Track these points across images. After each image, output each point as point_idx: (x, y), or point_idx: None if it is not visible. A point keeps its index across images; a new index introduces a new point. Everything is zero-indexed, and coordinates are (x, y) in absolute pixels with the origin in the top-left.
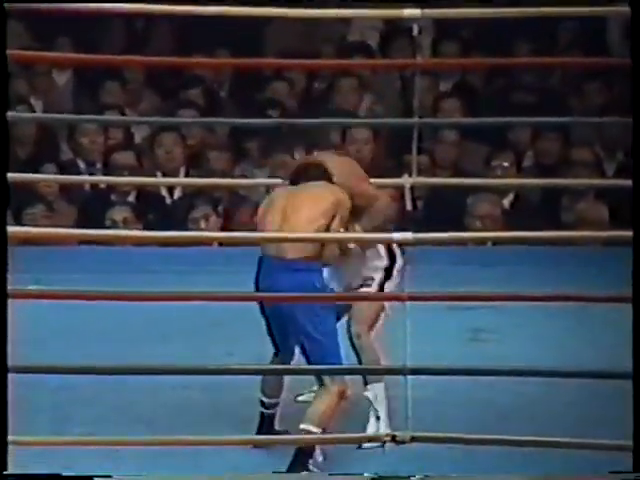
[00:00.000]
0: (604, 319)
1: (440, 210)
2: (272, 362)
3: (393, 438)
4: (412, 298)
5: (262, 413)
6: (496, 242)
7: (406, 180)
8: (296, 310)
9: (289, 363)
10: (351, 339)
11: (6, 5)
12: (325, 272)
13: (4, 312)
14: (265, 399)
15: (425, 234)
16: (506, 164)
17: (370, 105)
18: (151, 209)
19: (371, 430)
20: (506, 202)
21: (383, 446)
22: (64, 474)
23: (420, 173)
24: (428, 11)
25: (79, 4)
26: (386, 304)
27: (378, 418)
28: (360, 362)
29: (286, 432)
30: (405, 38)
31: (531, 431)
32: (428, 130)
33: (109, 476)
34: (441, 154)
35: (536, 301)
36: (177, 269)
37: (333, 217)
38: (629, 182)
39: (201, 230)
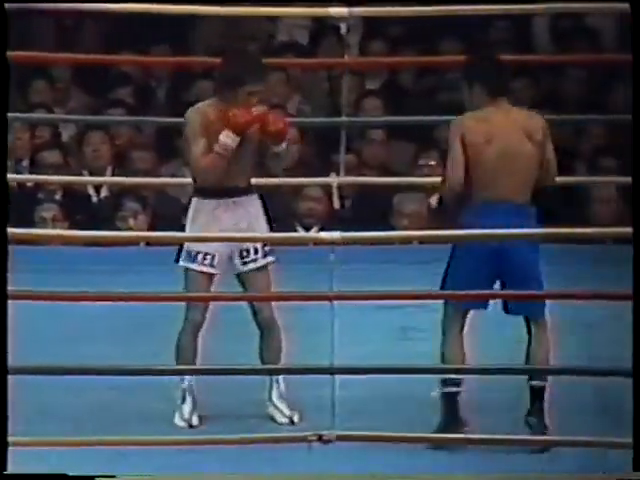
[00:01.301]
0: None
1: (367, 209)
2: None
3: (320, 437)
4: (339, 297)
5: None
6: (422, 241)
7: (333, 179)
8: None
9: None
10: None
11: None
12: None
13: (4, 314)
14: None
15: (353, 233)
16: (433, 162)
17: (298, 104)
18: (78, 207)
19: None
20: (433, 201)
21: (309, 445)
22: (66, 474)
23: (348, 172)
24: (355, 9)
25: (80, 4)
26: None
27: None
28: None
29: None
30: (334, 37)
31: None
32: (356, 129)
33: (113, 476)
34: (368, 153)
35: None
36: (103, 269)
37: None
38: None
39: (129, 228)
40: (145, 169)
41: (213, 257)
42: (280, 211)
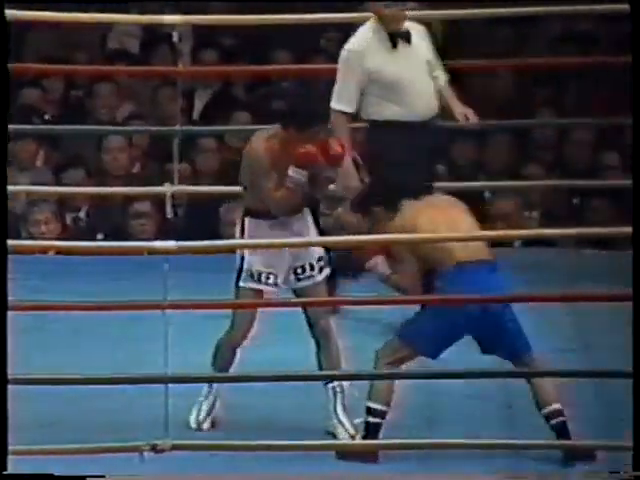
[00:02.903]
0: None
1: (199, 219)
2: None
3: (154, 447)
4: (173, 306)
5: (368, 423)
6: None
7: (167, 189)
8: (506, 308)
9: None
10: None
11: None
12: None
13: (4, 324)
14: (374, 405)
15: (188, 242)
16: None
17: (129, 113)
18: None
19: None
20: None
21: (142, 456)
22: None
23: (182, 181)
24: (189, 17)
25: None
26: None
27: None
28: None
29: None
30: (165, 45)
31: None
32: (190, 139)
33: (102, 476)
34: (202, 162)
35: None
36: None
37: None
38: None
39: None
40: None
41: (276, 276)
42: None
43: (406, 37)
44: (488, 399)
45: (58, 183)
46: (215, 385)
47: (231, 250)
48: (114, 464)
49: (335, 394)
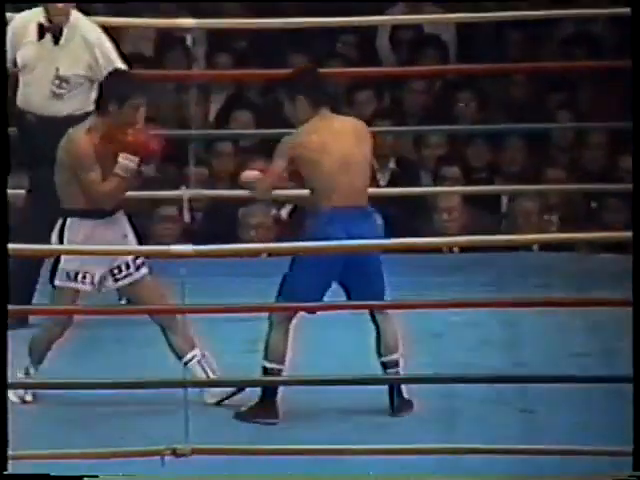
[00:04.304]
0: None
1: (217, 222)
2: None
3: (174, 451)
4: (192, 310)
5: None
6: (271, 253)
7: (184, 192)
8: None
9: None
10: None
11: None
12: None
13: (4, 329)
14: (271, 365)
15: (205, 246)
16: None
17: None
18: None
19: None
20: (284, 212)
21: (163, 460)
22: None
23: (199, 185)
24: (203, 21)
25: None
26: None
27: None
28: None
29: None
30: (179, 49)
31: None
32: (206, 143)
33: (96, 476)
34: (219, 166)
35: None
36: None
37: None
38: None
39: None
40: None
41: (93, 276)
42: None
43: (55, 31)
44: (504, 403)
45: None
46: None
47: (251, 253)
48: (134, 468)
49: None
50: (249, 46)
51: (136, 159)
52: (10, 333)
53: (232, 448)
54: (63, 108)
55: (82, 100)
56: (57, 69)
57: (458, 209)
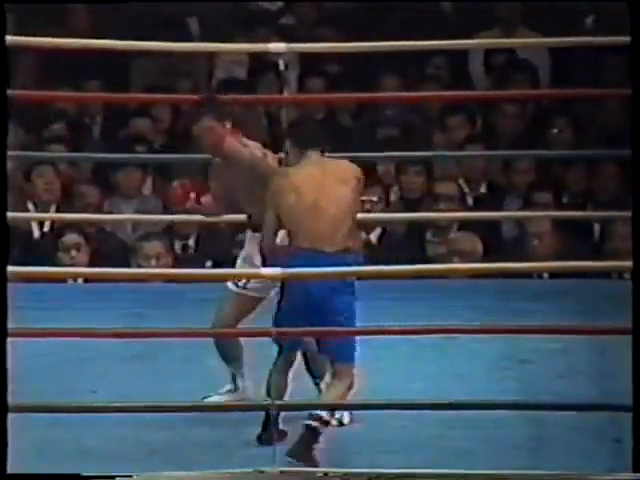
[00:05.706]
0: None
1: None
2: (276, 362)
3: (261, 473)
4: (282, 333)
5: (267, 414)
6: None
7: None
8: (335, 295)
9: (293, 360)
10: None
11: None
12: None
13: (3, 351)
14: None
15: (294, 269)
16: (374, 198)
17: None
18: (17, 243)
19: None
20: (373, 237)
21: None
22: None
23: None
24: (294, 45)
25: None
26: None
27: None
28: None
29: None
30: (272, 73)
31: None
32: None
33: (100, 477)
34: None
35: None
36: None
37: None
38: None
39: (72, 261)
40: (90, 204)
41: None
42: None
43: None
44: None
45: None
46: None
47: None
48: None
49: None
50: (341, 69)
51: None
52: None
53: (317, 470)
54: None
55: None
56: None
57: (549, 235)
